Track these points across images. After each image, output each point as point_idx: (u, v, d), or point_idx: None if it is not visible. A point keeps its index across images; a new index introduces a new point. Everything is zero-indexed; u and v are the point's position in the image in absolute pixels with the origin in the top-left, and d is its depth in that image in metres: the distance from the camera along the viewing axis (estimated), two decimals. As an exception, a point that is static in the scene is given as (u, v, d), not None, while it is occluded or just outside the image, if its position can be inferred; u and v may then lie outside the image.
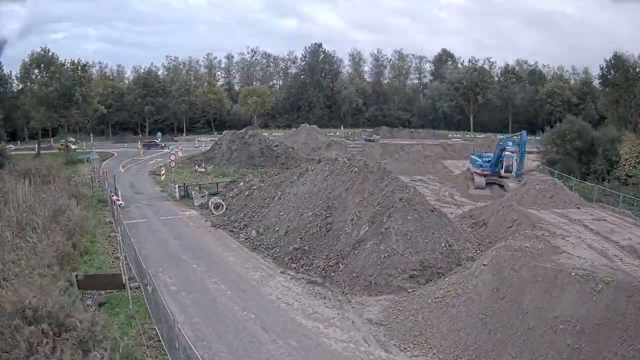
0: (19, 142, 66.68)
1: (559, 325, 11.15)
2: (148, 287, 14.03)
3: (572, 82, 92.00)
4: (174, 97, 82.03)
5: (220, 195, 28.99)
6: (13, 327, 10.35)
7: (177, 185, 32.09)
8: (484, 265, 13.99)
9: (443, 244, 17.40)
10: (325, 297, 15.81)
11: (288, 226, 20.63)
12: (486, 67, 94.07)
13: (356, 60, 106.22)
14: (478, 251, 18.12)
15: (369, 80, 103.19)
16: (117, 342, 11.61)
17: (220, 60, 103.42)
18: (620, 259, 14.91)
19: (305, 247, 18.78)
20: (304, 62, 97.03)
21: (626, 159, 30.84)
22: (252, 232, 22.09)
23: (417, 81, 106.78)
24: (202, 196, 29.30)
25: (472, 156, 35.62)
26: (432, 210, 19.11)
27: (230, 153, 45.92)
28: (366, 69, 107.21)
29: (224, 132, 62.51)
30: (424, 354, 12.25)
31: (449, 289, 14.21)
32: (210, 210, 26.69)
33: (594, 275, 11.81)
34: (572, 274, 12.03)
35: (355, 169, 21.68)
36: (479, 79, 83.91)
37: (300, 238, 19.35)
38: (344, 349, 12.62)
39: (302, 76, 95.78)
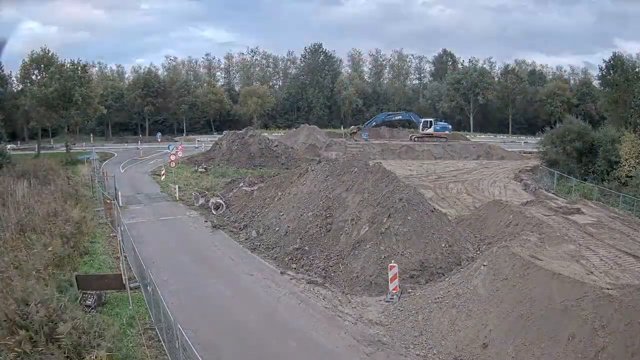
0: (19, 142, 66.71)
1: (559, 326, 11.14)
2: (148, 288, 14.03)
3: (572, 82, 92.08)
4: (174, 98, 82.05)
5: (220, 196, 28.98)
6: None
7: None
8: (484, 265, 13.99)
9: (443, 244, 17.40)
10: (325, 298, 15.80)
11: (288, 226, 20.62)
12: (486, 67, 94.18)
13: (355, 60, 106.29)
14: (478, 251, 18.13)
15: (369, 80, 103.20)
16: (115, 343, 11.62)
17: (219, 61, 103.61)
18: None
19: (305, 248, 18.78)
20: (304, 63, 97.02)
21: (626, 159, 30.83)
22: (252, 232, 22.07)
23: (417, 81, 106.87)
24: (203, 196, 29.30)
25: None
26: (432, 211, 19.13)
27: (230, 153, 45.88)
28: (365, 69, 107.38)
29: (224, 133, 62.50)
30: (424, 354, 12.25)
31: (449, 289, 14.21)
32: (211, 211, 26.69)
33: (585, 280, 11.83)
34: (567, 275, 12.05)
35: (355, 169, 21.68)
36: (479, 80, 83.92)
37: (300, 238, 19.34)
38: (344, 349, 12.62)
39: (302, 76, 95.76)
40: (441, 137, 57.13)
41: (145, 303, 14.64)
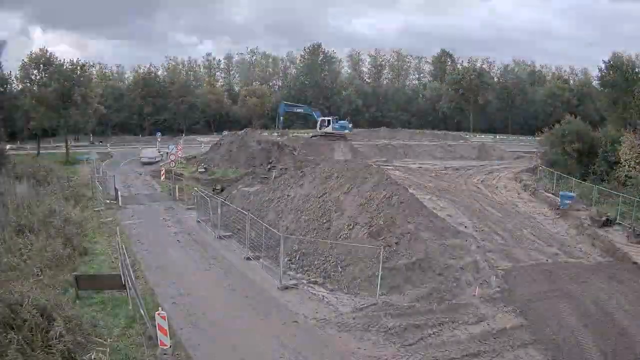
0: (18, 142, 66.59)
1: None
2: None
3: (572, 82, 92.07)
4: (174, 98, 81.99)
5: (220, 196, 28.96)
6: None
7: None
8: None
9: (443, 245, 17.43)
10: (325, 297, 15.81)
11: (287, 228, 20.60)
12: (485, 67, 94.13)
13: (355, 60, 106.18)
14: (478, 253, 18.14)
15: (368, 80, 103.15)
16: (114, 344, 11.63)
17: (219, 61, 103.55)
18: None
19: (304, 250, 18.75)
20: (303, 63, 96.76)
21: (625, 160, 30.79)
22: (252, 233, 22.04)
23: (416, 82, 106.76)
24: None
25: None
26: (434, 215, 19.16)
27: (230, 154, 45.88)
28: (365, 69, 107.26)
29: (224, 133, 62.49)
30: (425, 354, 12.29)
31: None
32: (210, 211, 26.63)
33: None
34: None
35: (354, 171, 21.68)
36: (478, 80, 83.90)
37: (300, 240, 19.32)
38: (344, 350, 12.62)
39: (301, 77, 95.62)
40: (340, 136, 53.30)
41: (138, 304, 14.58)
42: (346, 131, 54.33)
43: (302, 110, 59.08)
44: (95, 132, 76.23)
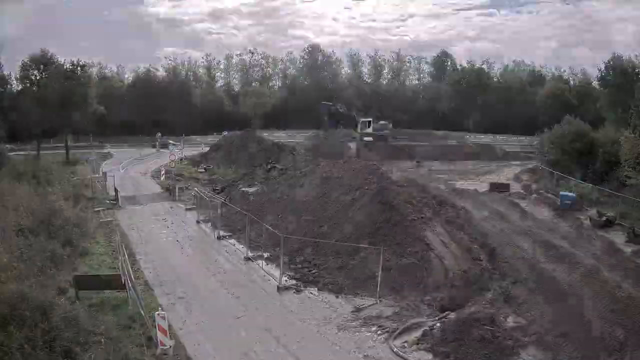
0: (18, 142, 66.55)
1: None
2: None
3: (572, 82, 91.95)
4: (174, 98, 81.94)
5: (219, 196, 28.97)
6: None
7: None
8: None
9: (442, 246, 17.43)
10: (325, 297, 15.80)
11: (287, 228, 20.60)
12: (485, 68, 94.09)
13: (354, 61, 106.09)
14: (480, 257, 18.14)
15: (368, 81, 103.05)
16: (113, 344, 11.62)
17: (219, 62, 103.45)
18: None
19: (305, 249, 18.75)
20: (302, 63, 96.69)
21: (625, 160, 30.80)
22: (252, 233, 22.03)
23: (416, 82, 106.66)
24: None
25: None
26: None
27: (230, 154, 45.90)
28: (364, 69, 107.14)
29: (224, 133, 62.51)
30: (426, 354, 12.30)
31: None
32: (210, 211, 26.62)
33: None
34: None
35: (354, 171, 21.71)
36: (478, 80, 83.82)
37: (300, 240, 19.32)
38: (344, 350, 12.62)
39: (300, 77, 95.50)
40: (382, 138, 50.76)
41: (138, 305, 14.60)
42: (386, 132, 50.56)
43: (342, 110, 53.28)
44: (95, 132, 76.28)
